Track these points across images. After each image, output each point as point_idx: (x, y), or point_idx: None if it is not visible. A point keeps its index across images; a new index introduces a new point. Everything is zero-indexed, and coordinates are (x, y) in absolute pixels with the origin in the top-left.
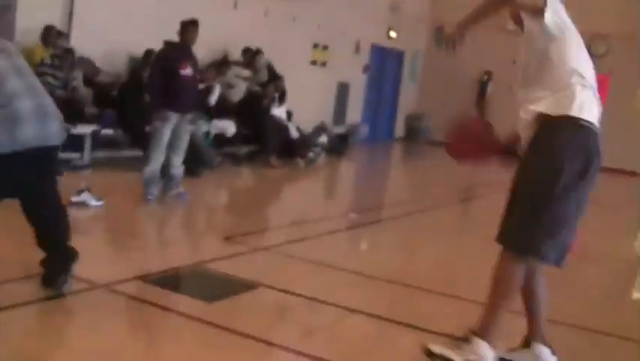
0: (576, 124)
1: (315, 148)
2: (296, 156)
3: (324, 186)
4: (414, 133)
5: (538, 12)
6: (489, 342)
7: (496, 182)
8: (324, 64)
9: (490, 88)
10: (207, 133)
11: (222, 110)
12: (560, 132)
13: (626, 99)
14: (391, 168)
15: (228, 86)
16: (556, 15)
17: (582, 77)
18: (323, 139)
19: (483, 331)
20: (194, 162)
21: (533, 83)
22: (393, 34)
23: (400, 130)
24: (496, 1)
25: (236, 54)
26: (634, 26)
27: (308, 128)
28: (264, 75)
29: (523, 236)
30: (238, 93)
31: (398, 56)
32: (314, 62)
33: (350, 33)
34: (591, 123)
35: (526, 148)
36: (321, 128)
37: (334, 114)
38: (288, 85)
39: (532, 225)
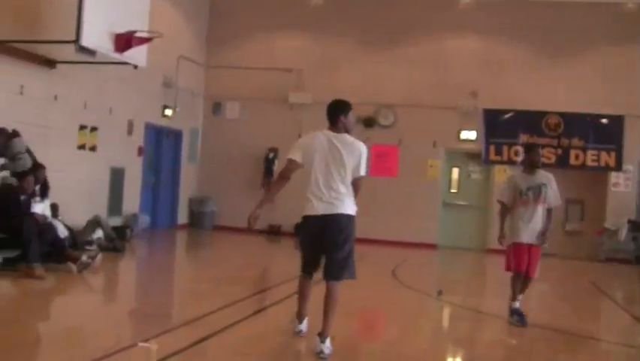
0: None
1: (90, 247)
2: (67, 259)
3: (104, 298)
4: (199, 219)
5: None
6: None
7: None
8: (93, 148)
9: (276, 165)
10: None
11: None
12: None
13: (417, 168)
14: (179, 264)
15: None
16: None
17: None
18: (98, 235)
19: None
20: None
21: None
22: (168, 112)
23: (183, 216)
24: (276, 183)
25: None
26: (418, 95)
27: (79, 223)
28: (25, 162)
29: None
30: None
31: (176, 136)
32: (82, 146)
33: (121, 112)
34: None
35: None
36: (94, 223)
37: (109, 204)
38: (52, 174)
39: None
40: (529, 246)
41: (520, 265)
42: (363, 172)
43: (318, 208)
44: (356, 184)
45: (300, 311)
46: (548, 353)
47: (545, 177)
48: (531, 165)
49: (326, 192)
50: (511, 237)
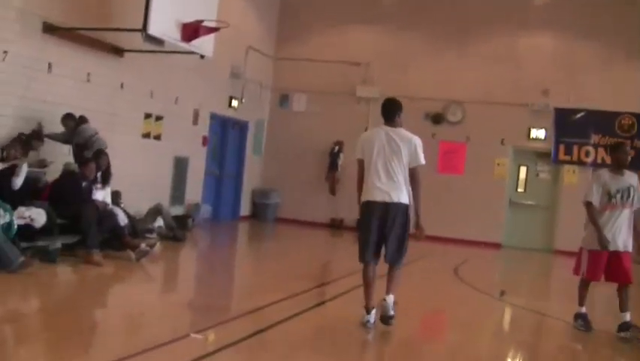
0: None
1: (150, 235)
2: (126, 246)
3: (161, 287)
4: (261, 211)
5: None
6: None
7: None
8: (158, 137)
9: (341, 159)
10: (9, 225)
11: (32, 194)
12: None
13: (484, 166)
14: (239, 255)
15: (41, 164)
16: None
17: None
18: (159, 223)
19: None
20: None
21: None
22: (235, 102)
23: (245, 208)
24: (359, 187)
25: (52, 125)
26: (487, 92)
27: (141, 211)
28: (100, 142)
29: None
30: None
31: (241, 127)
32: (146, 135)
33: (187, 102)
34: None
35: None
36: (156, 211)
37: (171, 193)
38: (115, 162)
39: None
40: (614, 253)
41: (596, 274)
42: (422, 160)
43: (378, 195)
44: (415, 172)
45: (367, 302)
46: (614, 359)
47: (632, 177)
48: (619, 164)
49: (386, 181)
50: (591, 243)
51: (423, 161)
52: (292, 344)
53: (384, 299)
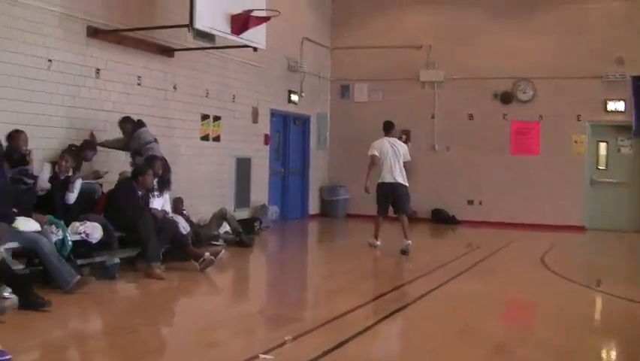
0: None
1: (215, 242)
2: (189, 256)
3: (229, 299)
4: (331, 208)
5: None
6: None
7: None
8: (217, 138)
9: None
10: (62, 242)
11: (86, 207)
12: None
13: (560, 145)
14: (311, 257)
15: (95, 176)
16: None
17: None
18: (224, 229)
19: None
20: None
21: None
22: (294, 97)
23: (314, 206)
24: (370, 170)
25: (104, 134)
26: (558, 66)
27: (205, 217)
28: (155, 152)
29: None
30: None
31: (303, 122)
32: (205, 137)
33: (244, 99)
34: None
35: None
36: (220, 216)
37: (236, 196)
38: (175, 167)
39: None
40: None
41: None
42: (409, 158)
43: (388, 178)
44: (406, 164)
45: (376, 234)
46: None
47: None
48: None
49: (393, 171)
50: None
51: (409, 158)
52: (375, 359)
53: (406, 242)
